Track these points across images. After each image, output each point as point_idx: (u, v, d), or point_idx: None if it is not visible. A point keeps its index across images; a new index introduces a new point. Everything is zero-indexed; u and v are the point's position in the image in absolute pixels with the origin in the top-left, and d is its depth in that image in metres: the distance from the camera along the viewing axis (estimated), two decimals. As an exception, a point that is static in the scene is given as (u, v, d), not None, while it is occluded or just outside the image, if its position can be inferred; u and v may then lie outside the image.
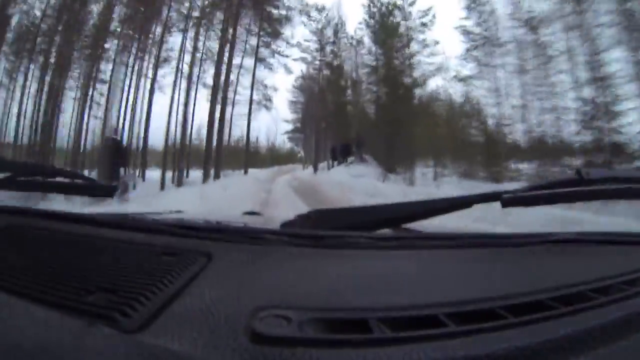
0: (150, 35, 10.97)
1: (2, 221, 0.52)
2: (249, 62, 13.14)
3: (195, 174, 11.82)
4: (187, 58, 11.55)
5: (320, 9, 14.78)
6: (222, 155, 12.29)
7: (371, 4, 13.41)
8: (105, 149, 8.14)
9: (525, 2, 9.33)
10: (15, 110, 9.73)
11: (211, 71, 11.89)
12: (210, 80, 11.86)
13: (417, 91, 12.27)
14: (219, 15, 11.76)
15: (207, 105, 11.75)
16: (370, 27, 13.75)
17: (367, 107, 14.84)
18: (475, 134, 10.43)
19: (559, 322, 0.28)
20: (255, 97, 13.58)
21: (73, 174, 0.72)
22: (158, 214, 0.75)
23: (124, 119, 10.79)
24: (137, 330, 0.25)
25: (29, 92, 9.70)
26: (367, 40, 14.14)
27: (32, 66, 9.84)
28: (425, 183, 9.92)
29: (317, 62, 15.25)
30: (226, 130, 12.74)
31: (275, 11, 13.52)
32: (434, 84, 12.44)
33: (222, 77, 11.81)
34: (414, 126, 11.26)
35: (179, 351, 0.23)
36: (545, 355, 0.25)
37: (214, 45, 11.79)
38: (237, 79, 12.93)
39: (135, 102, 11.05)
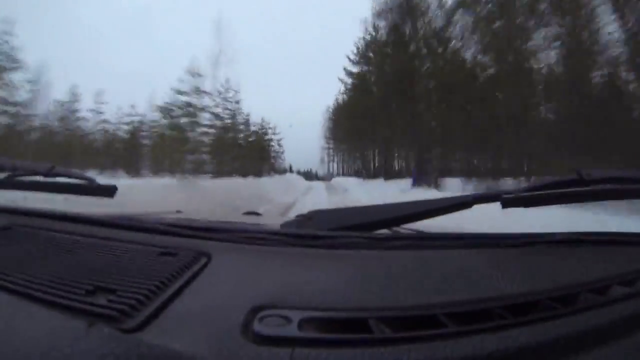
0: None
1: (2, 221, 0.52)
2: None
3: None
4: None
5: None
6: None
7: None
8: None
9: None
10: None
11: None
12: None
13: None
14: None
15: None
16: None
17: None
18: None
19: (558, 322, 0.28)
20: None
21: (73, 174, 0.72)
22: (158, 214, 0.75)
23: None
24: (137, 330, 0.25)
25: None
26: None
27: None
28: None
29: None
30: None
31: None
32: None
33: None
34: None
35: (178, 351, 0.23)
36: (545, 355, 0.25)
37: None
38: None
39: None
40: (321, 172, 48.61)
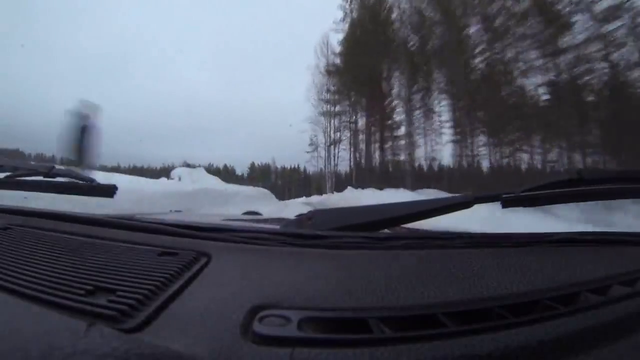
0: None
1: (2, 221, 0.52)
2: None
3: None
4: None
5: None
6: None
7: None
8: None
9: None
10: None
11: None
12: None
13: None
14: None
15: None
16: None
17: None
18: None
19: (558, 322, 0.28)
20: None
21: (73, 174, 0.72)
22: (158, 214, 0.75)
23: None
24: (137, 330, 0.25)
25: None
26: None
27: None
28: None
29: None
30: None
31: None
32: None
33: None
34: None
35: (178, 351, 0.23)
36: (545, 355, 0.25)
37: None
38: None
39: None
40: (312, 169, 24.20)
